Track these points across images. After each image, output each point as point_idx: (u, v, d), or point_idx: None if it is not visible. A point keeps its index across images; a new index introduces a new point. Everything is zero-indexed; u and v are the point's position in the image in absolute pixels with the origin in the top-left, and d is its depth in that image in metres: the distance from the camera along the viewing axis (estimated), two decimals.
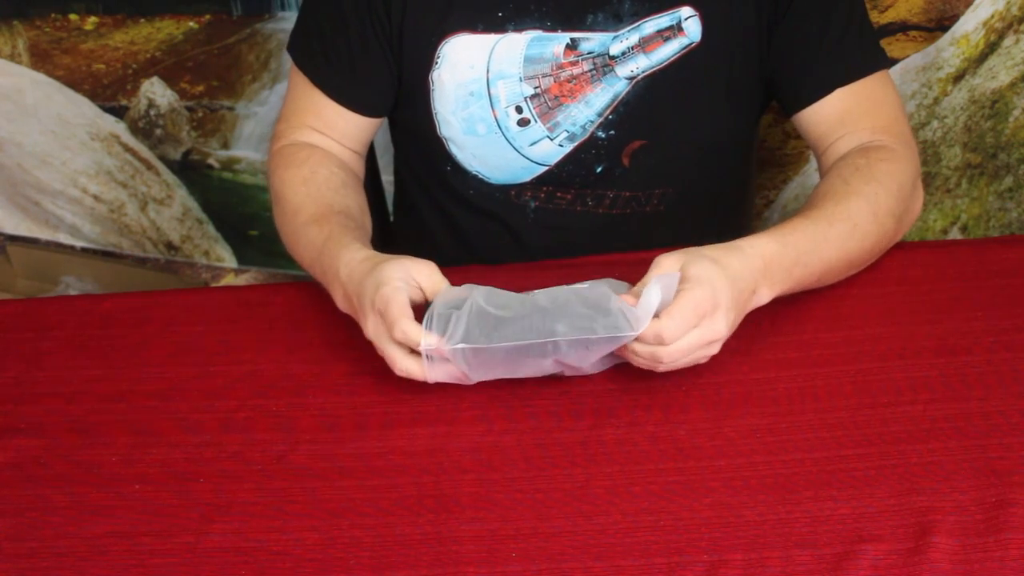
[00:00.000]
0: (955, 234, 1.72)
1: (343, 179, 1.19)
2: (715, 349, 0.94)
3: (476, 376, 0.96)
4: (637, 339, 0.91)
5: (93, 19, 1.80)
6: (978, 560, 0.79)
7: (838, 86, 1.14)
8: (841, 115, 1.15)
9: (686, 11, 1.15)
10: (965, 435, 0.90)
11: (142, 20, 1.79)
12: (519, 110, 1.19)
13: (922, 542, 0.80)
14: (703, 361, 0.95)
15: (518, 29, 1.17)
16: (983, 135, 1.65)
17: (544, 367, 0.95)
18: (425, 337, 0.92)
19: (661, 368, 0.93)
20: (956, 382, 0.96)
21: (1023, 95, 1.62)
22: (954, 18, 1.59)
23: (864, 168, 1.09)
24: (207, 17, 1.78)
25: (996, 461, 0.87)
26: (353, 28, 1.20)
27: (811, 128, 1.17)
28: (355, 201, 1.18)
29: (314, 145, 1.23)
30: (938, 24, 1.60)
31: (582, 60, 1.17)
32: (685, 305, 0.90)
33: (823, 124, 1.16)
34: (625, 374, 0.99)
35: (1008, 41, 1.59)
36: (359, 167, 1.27)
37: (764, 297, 0.99)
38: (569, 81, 1.18)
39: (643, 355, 0.92)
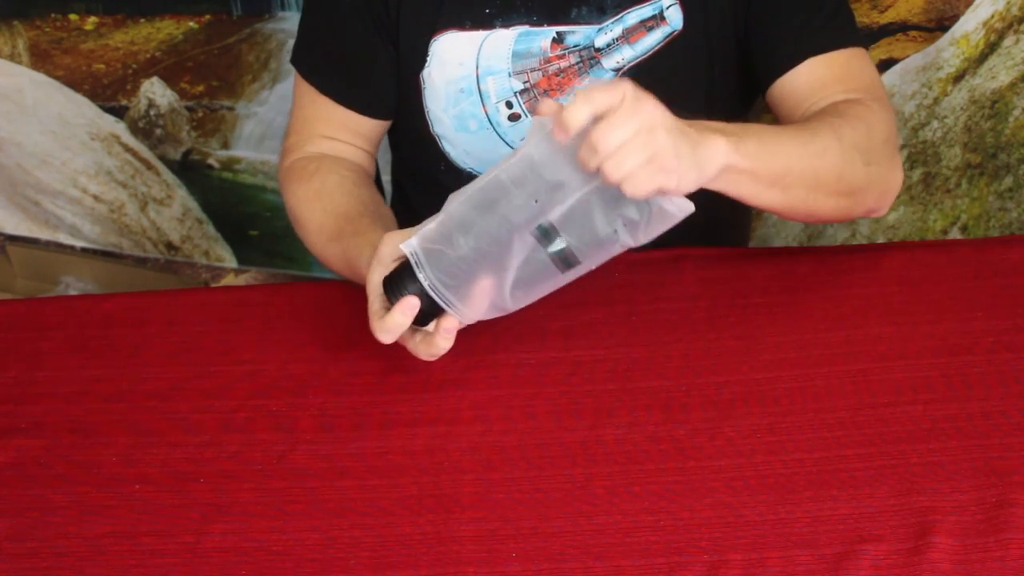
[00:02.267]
0: (955, 234, 1.72)
1: (354, 179, 1.20)
2: (652, 126, 0.88)
3: (481, 276, 0.93)
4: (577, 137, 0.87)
5: (93, 19, 1.80)
6: (978, 560, 0.79)
7: (809, 55, 1.13)
8: (813, 83, 1.13)
9: (667, 0, 1.16)
10: (966, 435, 0.90)
11: (142, 20, 1.79)
12: (509, 105, 1.20)
13: (922, 542, 0.80)
14: (651, 149, 0.88)
15: (505, 25, 1.18)
16: (983, 135, 1.65)
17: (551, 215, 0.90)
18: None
19: (612, 163, 0.87)
20: (957, 382, 0.95)
21: (1023, 95, 1.62)
22: (954, 18, 1.59)
23: (831, 111, 1.08)
24: (207, 17, 1.78)
25: (997, 461, 0.87)
26: (354, 31, 1.20)
27: (784, 100, 1.15)
28: (369, 195, 1.19)
29: (323, 154, 1.23)
30: (938, 24, 1.60)
31: (568, 53, 1.18)
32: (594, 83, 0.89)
33: (796, 93, 1.14)
34: (626, 374, 0.99)
35: (1008, 41, 1.59)
36: (371, 165, 1.29)
37: (718, 146, 0.94)
38: (557, 75, 1.19)
39: (584, 151, 0.87)
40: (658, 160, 0.88)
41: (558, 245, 0.91)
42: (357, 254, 1.06)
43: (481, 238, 0.92)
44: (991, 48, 1.60)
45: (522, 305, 0.97)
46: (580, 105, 0.86)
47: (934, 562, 0.79)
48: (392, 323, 0.95)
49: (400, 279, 0.95)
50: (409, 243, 0.94)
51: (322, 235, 1.15)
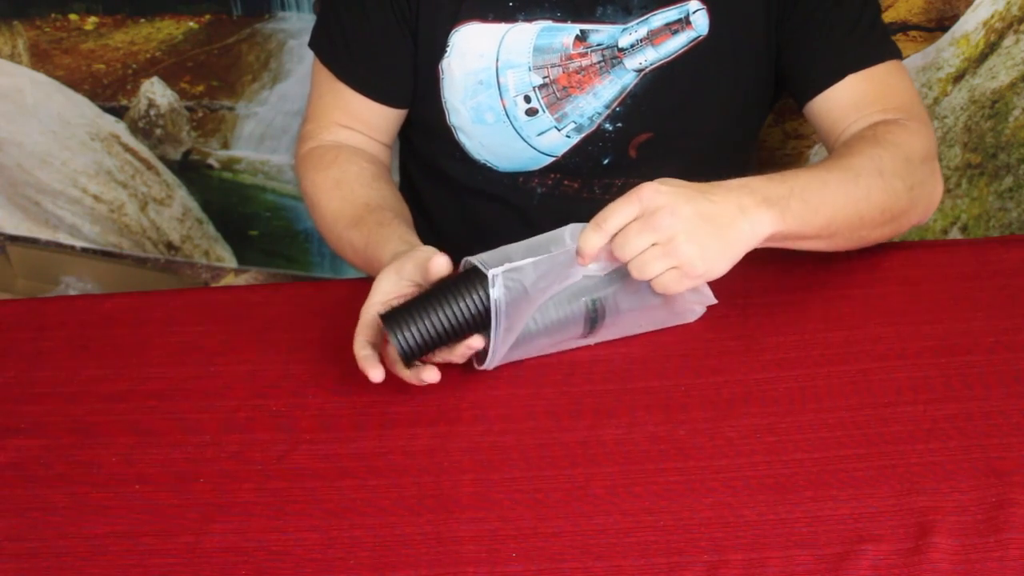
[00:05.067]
0: (955, 234, 1.72)
1: (373, 172, 1.21)
2: (671, 237, 0.92)
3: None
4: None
5: (93, 19, 1.80)
6: (978, 560, 0.79)
7: (849, 72, 1.14)
8: (854, 101, 1.14)
9: (694, 4, 1.16)
10: (966, 435, 0.90)
11: (142, 20, 1.79)
12: (527, 99, 1.20)
13: (922, 542, 0.80)
14: (673, 260, 0.93)
15: (528, 19, 1.18)
16: (983, 135, 1.65)
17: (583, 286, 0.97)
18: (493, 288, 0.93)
19: (635, 266, 0.93)
20: (956, 382, 0.96)
21: (1023, 95, 1.62)
22: (954, 18, 1.59)
23: (870, 137, 1.09)
24: (207, 17, 1.78)
25: (997, 461, 0.87)
26: (374, 18, 1.21)
27: (824, 116, 1.16)
28: (389, 191, 1.20)
29: (341, 144, 1.24)
30: (938, 24, 1.60)
31: (591, 52, 1.18)
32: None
33: (836, 110, 1.15)
34: (625, 374, 0.99)
35: (1008, 41, 1.59)
36: (388, 158, 1.30)
37: (763, 220, 0.97)
38: (578, 72, 1.19)
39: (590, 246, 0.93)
40: (683, 268, 0.93)
41: (596, 304, 0.99)
42: (380, 242, 1.07)
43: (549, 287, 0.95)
44: (991, 48, 1.60)
45: (534, 350, 1.01)
46: (591, 234, 0.92)
47: (934, 562, 0.79)
48: (366, 328, 0.97)
49: (469, 279, 0.94)
50: (490, 259, 0.94)
51: (340, 222, 1.16)
